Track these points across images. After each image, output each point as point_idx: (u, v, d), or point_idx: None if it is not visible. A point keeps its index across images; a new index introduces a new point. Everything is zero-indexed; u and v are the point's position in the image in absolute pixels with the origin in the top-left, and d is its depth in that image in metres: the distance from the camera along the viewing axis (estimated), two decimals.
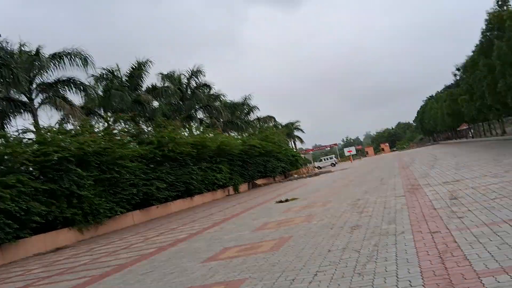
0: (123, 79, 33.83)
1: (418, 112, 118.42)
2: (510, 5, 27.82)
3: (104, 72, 33.31)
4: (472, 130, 68.80)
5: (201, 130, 39.89)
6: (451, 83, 66.15)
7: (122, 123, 28.79)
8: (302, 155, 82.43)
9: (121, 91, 30.15)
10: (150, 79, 44.46)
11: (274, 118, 65.70)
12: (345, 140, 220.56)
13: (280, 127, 71.42)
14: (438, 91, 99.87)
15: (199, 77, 42.84)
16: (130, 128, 28.78)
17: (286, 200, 18.84)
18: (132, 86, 33.43)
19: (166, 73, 40.78)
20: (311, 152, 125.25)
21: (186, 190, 31.25)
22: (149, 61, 34.58)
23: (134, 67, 34.10)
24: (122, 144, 25.11)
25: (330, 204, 14.11)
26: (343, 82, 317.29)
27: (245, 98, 54.25)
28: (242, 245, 9.48)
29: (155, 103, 37.98)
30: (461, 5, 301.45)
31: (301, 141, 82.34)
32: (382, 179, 20.74)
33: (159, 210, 28.16)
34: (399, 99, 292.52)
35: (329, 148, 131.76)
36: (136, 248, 13.05)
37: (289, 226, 11.07)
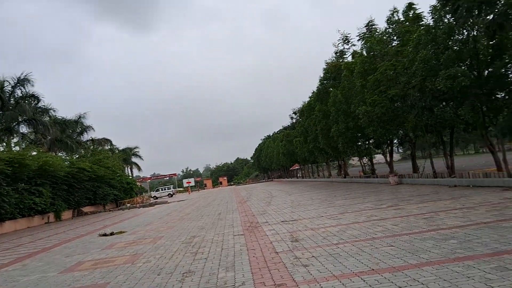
0: None
1: (256, 149, 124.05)
2: (346, 57, 30.50)
3: None
4: (301, 171, 74.05)
5: (23, 146, 34.69)
6: (288, 125, 70.80)
7: None
8: (139, 184, 78.69)
9: None
10: None
11: (110, 141, 61.37)
12: (185, 171, 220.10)
13: (117, 151, 67.06)
14: (275, 132, 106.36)
15: (26, 87, 37.46)
16: None
17: (112, 234, 16.48)
18: None
19: None
20: (148, 180, 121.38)
21: None
22: None
23: None
24: None
25: (161, 241, 12.40)
26: (187, 113, 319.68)
27: (80, 116, 49.45)
28: None
29: None
30: (305, 58, 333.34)
31: (139, 168, 78.45)
32: (220, 213, 19.78)
33: None
34: (240, 136, 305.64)
35: (168, 178, 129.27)
36: None
37: (108, 267, 9.07)
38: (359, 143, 29.86)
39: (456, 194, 14.34)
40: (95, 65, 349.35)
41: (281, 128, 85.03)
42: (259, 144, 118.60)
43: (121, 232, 16.84)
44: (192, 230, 14.27)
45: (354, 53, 29.80)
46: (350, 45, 29.88)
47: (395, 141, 30.67)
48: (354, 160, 58.56)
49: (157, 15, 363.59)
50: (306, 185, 41.45)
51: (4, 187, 26.51)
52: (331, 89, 33.05)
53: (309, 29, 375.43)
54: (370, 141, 31.74)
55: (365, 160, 34.45)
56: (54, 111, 42.68)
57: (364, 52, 23.24)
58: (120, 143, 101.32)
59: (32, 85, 37.79)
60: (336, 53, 30.87)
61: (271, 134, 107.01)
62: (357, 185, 28.62)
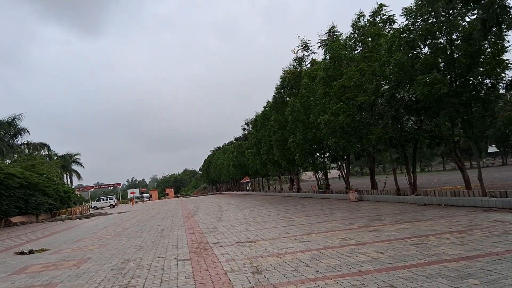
0: None
1: (205, 161, 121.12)
2: (306, 64, 29.03)
3: None
4: (250, 184, 72.21)
5: None
6: (240, 136, 68.80)
7: None
8: (78, 193, 73.80)
9: None
10: None
11: (48, 146, 56.73)
12: (130, 181, 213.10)
13: (55, 157, 62.30)
14: (225, 143, 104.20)
15: None
16: None
17: (31, 252, 13.72)
18: None
19: None
20: (91, 190, 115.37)
21: None
22: None
23: None
24: None
25: (87, 265, 9.95)
26: (134, 122, 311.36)
27: (14, 118, 45.06)
28: None
29: None
30: (256, 71, 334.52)
31: (79, 176, 73.56)
32: (164, 229, 17.36)
33: None
34: (188, 147, 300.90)
35: (112, 188, 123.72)
36: None
37: None
38: (317, 156, 28.34)
39: (432, 214, 12.82)
40: (38, 67, 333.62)
41: (233, 139, 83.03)
42: (209, 156, 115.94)
43: (42, 250, 14.10)
44: (128, 250, 11.85)
45: (313, 61, 28.43)
46: (310, 52, 28.56)
47: (351, 155, 29.48)
48: (306, 175, 57.51)
49: (106, 20, 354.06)
50: (258, 198, 39.51)
51: None
52: (287, 98, 31.52)
53: (261, 44, 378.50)
54: (326, 154, 30.41)
55: (319, 174, 33.00)
56: None
57: (327, 58, 21.72)
58: (61, 149, 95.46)
59: None
60: (295, 59, 29.39)
61: (221, 146, 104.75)
62: (313, 200, 27.00)
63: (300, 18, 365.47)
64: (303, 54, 28.77)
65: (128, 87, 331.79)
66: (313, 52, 28.42)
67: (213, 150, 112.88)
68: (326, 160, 31.74)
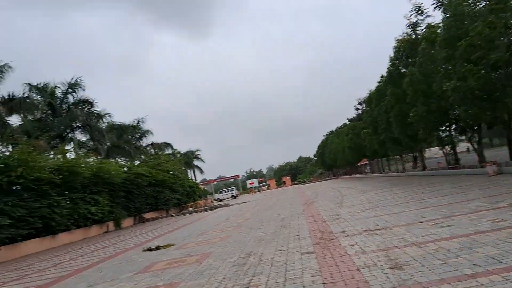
0: None
1: (319, 146, 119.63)
2: (421, 29, 26.21)
3: None
4: (369, 166, 69.27)
5: (81, 153, 33.67)
6: (353, 117, 66.21)
7: None
8: (202, 186, 77.64)
9: None
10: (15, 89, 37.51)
11: (171, 145, 60.27)
12: (248, 172, 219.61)
13: (178, 155, 66.02)
14: (338, 126, 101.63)
15: (77, 91, 36.50)
16: None
17: (157, 248, 13.99)
18: None
19: (36, 84, 33.97)
20: (214, 183, 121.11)
21: (45, 227, 24.94)
22: (9, 66, 27.85)
23: None
24: None
25: (208, 261, 9.60)
26: (248, 115, 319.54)
27: (138, 121, 48.41)
28: None
29: (15, 118, 31.09)
30: (363, 52, 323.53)
31: (201, 171, 77.31)
32: (283, 219, 16.75)
33: (1, 254, 21.72)
34: (301, 134, 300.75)
35: (232, 180, 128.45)
36: None
37: None
38: (442, 129, 25.54)
39: None
40: (156, 73, 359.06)
41: (346, 121, 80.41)
42: (322, 141, 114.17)
43: (168, 246, 14.32)
44: (249, 243, 11.35)
45: (429, 26, 25.57)
46: (424, 15, 25.73)
47: (482, 124, 26.13)
48: (431, 151, 53.35)
49: (214, 20, 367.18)
50: (379, 180, 37.42)
51: (54, 198, 25.12)
52: (403, 70, 28.99)
53: (367, 20, 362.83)
54: (453, 126, 27.38)
55: (447, 149, 29.94)
56: (109, 116, 41.79)
57: (447, 17, 19.06)
58: (182, 147, 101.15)
59: (83, 90, 36.82)
60: (408, 26, 26.72)
61: (334, 129, 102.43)
62: (442, 178, 24.46)
63: None
64: (417, 19, 26.04)
65: (240, 82, 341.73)
66: (428, 16, 25.56)
67: (326, 135, 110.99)
68: (453, 132, 28.68)
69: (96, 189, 31.22)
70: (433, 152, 75.46)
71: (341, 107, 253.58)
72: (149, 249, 14.06)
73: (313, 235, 10.76)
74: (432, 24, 25.54)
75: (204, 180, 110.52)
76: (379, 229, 9.74)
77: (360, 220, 11.95)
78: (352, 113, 71.60)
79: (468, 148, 72.09)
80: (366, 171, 71.47)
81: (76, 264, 13.99)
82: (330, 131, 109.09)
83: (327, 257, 7.65)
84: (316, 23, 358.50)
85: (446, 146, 29.54)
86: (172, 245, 14.42)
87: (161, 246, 14.20)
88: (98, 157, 36.87)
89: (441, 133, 27.01)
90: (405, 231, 8.89)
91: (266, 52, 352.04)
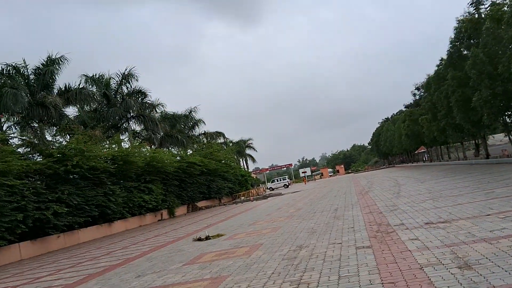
0: (31, 77, 27.75)
1: (373, 134, 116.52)
2: (484, 8, 24.32)
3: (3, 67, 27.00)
4: (427, 154, 66.45)
5: (135, 143, 34.42)
6: (410, 103, 63.56)
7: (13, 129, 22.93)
8: (254, 175, 77.80)
9: (15, 89, 24.12)
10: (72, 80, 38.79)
11: (223, 134, 60.52)
12: (301, 160, 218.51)
13: (230, 144, 66.36)
14: (394, 113, 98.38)
15: (131, 82, 37.18)
16: (23, 135, 22.98)
17: (207, 238, 13.82)
18: (40, 86, 27.45)
19: (91, 75, 34.91)
20: (267, 172, 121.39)
21: (101, 215, 25.65)
22: (64, 58, 28.73)
23: (44, 63, 28.12)
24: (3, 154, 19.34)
25: (258, 253, 9.21)
26: (300, 103, 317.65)
27: (190, 111, 48.86)
28: None
29: (72, 109, 32.12)
30: (418, 36, 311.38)
31: (253, 160, 77.38)
32: (337, 209, 16.10)
33: (60, 241, 22.52)
34: (355, 121, 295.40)
35: (285, 169, 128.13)
36: None
37: None
38: (509, 113, 23.67)
39: None
40: (208, 63, 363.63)
41: (402, 108, 77.47)
42: (377, 128, 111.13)
43: (218, 236, 14.12)
44: (300, 234, 10.86)
45: (494, 3, 23.70)
46: None
47: None
48: (494, 138, 50.35)
49: (264, 7, 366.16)
50: (438, 169, 35.62)
51: (109, 186, 25.75)
52: (465, 52, 27.18)
53: (421, 5, 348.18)
54: None
55: None
56: (162, 106, 42.36)
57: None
58: (234, 137, 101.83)
59: (137, 80, 37.43)
60: (471, 4, 24.82)
61: (390, 116, 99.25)
62: (509, 166, 22.74)
63: None
64: None
65: (291, 69, 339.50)
66: None
67: (381, 122, 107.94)
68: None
69: (150, 178, 31.80)
70: (497, 139, 71.37)
71: (396, 93, 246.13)
72: (199, 239, 13.92)
73: (369, 227, 10.10)
74: (496, 1, 23.66)
75: (256, 169, 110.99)
76: (443, 222, 8.93)
77: (420, 212, 11.12)
78: (409, 99, 68.76)
79: None
80: (424, 159, 68.73)
81: (128, 253, 14.10)
82: (386, 118, 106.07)
83: (385, 253, 7.02)
84: (368, 6, 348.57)
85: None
86: (222, 235, 14.21)
87: (211, 236, 14.01)
88: (152, 147, 37.60)
89: (507, 119, 25.09)
90: (472, 224, 8.06)
91: (317, 38, 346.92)
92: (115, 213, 26.47)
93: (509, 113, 23.74)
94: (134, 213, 29.34)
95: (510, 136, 27.04)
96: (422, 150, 62.38)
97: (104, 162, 26.01)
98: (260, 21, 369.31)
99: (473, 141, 41.03)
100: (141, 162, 29.43)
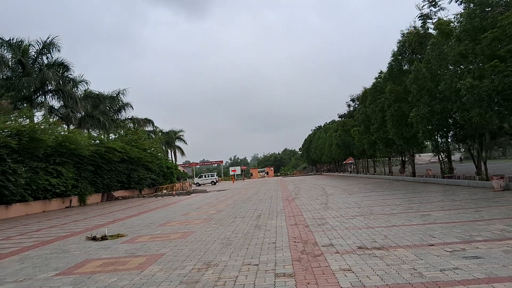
0: None
1: (305, 140, 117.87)
2: (432, 22, 23.96)
3: None
4: (353, 165, 67.45)
5: (47, 119, 30.91)
6: (344, 113, 64.01)
7: None
8: (182, 169, 75.12)
9: None
10: None
11: (152, 122, 57.26)
12: (233, 159, 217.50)
13: (160, 133, 63.19)
14: (327, 122, 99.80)
15: (52, 52, 33.43)
16: None
17: (103, 238, 11.64)
18: None
19: (8, 39, 30.84)
20: (198, 166, 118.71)
21: None
22: None
23: None
24: None
25: (154, 268, 7.30)
26: (238, 102, 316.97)
27: (118, 93, 45.36)
28: None
29: None
30: (357, 51, 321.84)
31: (182, 152, 74.58)
32: (260, 215, 14.52)
33: None
34: (289, 126, 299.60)
35: (216, 165, 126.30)
36: None
37: None
38: (441, 134, 23.37)
39: None
40: (148, 48, 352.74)
41: (335, 118, 78.26)
42: (309, 135, 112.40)
43: (118, 236, 11.97)
44: (212, 246, 9.07)
45: (441, 21, 23.35)
46: (438, 8, 23.47)
47: (486, 133, 24.17)
48: (420, 157, 51.72)
49: (213, 1, 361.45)
50: (365, 182, 35.41)
51: (9, 164, 22.51)
52: (406, 67, 26.83)
53: (366, 20, 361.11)
54: (450, 133, 25.39)
55: (442, 156, 27.94)
56: (86, 83, 38.59)
57: (470, 6, 16.72)
58: (165, 126, 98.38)
59: (59, 51, 33.70)
60: (419, 17, 24.40)
61: (323, 125, 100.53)
62: (437, 186, 22.51)
63: None
64: (430, 10, 23.78)
65: (232, 67, 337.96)
66: (442, 9, 23.33)
67: (314, 130, 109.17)
68: (449, 139, 26.77)
69: (61, 160, 28.62)
70: (422, 159, 74.13)
71: (331, 103, 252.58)
72: (94, 238, 11.72)
73: (293, 245, 8.51)
74: (442, 20, 23.34)
75: (186, 162, 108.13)
76: (378, 248, 7.53)
77: (351, 231, 9.75)
78: (343, 109, 69.35)
79: (461, 158, 70.85)
80: (350, 170, 69.65)
81: (5, 247, 11.58)
82: (318, 126, 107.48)
83: (311, 287, 5.41)
84: (313, 15, 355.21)
85: (442, 153, 27.56)
86: (123, 235, 12.08)
87: (109, 236, 11.84)
88: (69, 126, 34.17)
89: (438, 138, 24.94)
90: (415, 256, 6.69)
91: (261, 40, 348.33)
92: (14, 194, 23.28)
93: (441, 133, 23.47)
94: (38, 197, 26.13)
95: (440, 156, 27.01)
96: (350, 161, 63.11)
97: (5, 137, 22.72)
98: (206, 14, 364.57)
99: (400, 158, 41.54)
100: (51, 141, 26.21)
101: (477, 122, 15.68)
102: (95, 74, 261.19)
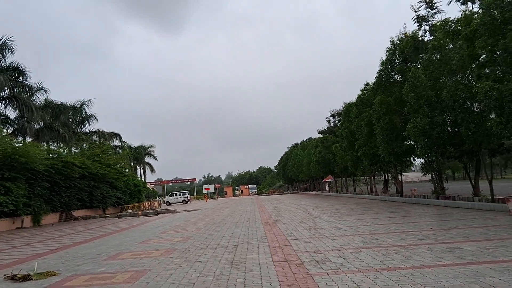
0: None
1: (281, 158, 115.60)
2: (427, 24, 21.76)
3: None
4: (329, 184, 65.18)
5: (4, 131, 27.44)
6: (324, 129, 61.84)
7: None
8: (151, 186, 71.36)
9: None
10: None
11: (120, 136, 53.62)
12: (206, 176, 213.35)
13: (128, 149, 59.46)
14: (303, 140, 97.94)
15: (5, 54, 29.97)
16: None
17: (26, 278, 8.59)
18: None
19: None
20: (169, 184, 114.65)
21: None
22: None
23: None
24: None
25: None
26: (212, 120, 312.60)
27: (82, 103, 41.89)
28: None
29: None
30: (334, 69, 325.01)
31: (152, 169, 70.77)
32: (237, 245, 11.62)
33: None
34: (264, 144, 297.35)
35: (189, 183, 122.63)
36: None
37: None
38: (442, 148, 20.92)
39: None
40: (120, 63, 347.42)
41: (314, 135, 76.26)
42: (286, 153, 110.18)
43: (46, 275, 8.90)
44: None
45: (435, 25, 21.25)
46: (435, 10, 21.34)
47: (483, 150, 22.03)
48: (405, 176, 49.69)
49: (186, 18, 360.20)
50: (349, 202, 32.87)
51: None
52: (396, 77, 24.65)
53: (341, 41, 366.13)
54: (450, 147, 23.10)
55: (433, 174, 25.70)
56: (45, 91, 35.07)
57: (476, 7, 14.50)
58: (134, 142, 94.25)
59: (12, 53, 30.29)
60: (415, 19, 22.13)
61: (300, 142, 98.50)
62: (432, 209, 20.10)
63: (385, 13, 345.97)
64: (428, 12, 21.57)
65: (206, 84, 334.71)
66: (439, 11, 21.19)
67: (291, 147, 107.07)
68: (440, 157, 24.54)
69: (10, 174, 25.12)
70: (407, 177, 72.29)
71: (307, 121, 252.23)
72: (13, 278, 8.63)
73: None
74: (437, 23, 21.26)
75: (158, 180, 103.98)
76: None
77: (366, 274, 6.97)
78: (323, 125, 67.11)
79: (445, 177, 69.54)
80: (327, 188, 67.20)
81: None
82: (295, 144, 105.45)
83: None
84: (290, 36, 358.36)
85: (433, 171, 25.31)
86: (53, 274, 8.99)
87: (35, 275, 8.76)
88: (24, 138, 30.66)
89: (433, 155, 22.60)
90: None
91: (236, 57, 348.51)
92: None
93: (441, 148, 21.05)
94: None
95: (433, 175, 24.68)
96: (329, 180, 60.74)
97: None
98: (182, 31, 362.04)
99: (384, 176, 39.25)
100: None
101: (497, 133, 13.28)
102: (69, 88, 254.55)
